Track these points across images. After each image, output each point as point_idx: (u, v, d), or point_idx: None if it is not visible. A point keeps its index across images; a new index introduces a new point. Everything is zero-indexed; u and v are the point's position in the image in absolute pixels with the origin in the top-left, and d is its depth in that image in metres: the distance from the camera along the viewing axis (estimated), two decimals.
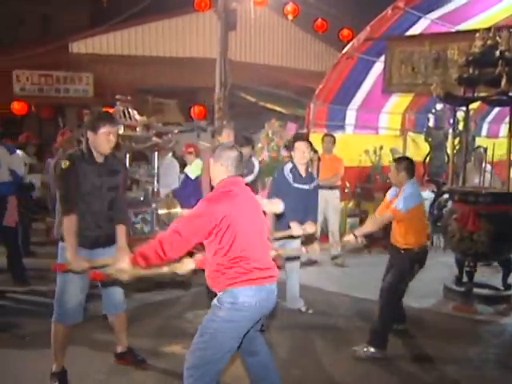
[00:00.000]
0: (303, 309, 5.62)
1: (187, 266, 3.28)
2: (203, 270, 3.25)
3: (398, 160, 4.94)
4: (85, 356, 4.37)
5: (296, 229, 4.87)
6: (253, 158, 6.88)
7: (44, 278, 6.50)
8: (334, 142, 7.93)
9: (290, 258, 5.50)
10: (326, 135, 8.12)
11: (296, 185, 5.32)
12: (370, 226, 4.85)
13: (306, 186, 5.39)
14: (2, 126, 7.17)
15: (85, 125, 3.90)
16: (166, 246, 2.98)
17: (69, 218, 3.62)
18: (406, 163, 4.74)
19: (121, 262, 3.23)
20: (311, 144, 5.65)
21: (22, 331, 4.87)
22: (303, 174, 5.39)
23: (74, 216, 3.63)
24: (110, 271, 3.31)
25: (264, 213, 3.61)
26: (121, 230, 3.91)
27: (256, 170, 6.70)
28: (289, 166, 5.42)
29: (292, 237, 4.98)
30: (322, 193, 7.34)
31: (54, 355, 3.85)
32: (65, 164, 3.64)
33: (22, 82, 13.18)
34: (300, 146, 5.39)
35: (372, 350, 4.47)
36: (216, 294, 3.14)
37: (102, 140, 3.73)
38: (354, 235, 4.67)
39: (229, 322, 3.03)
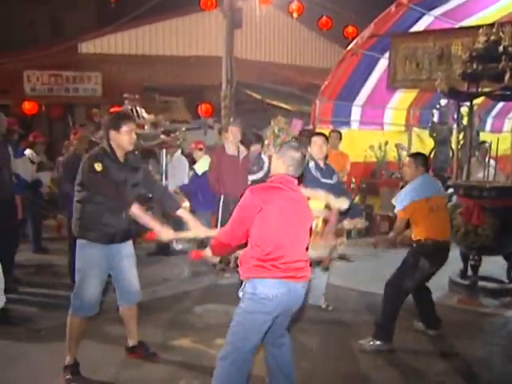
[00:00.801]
0: (324, 305, 5.65)
1: None
2: None
3: (414, 155, 5.01)
4: (97, 349, 4.45)
5: (347, 223, 4.83)
6: (262, 155, 6.98)
7: (56, 273, 6.65)
8: (341, 138, 7.99)
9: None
10: (332, 131, 8.18)
11: (324, 180, 5.21)
12: (393, 233, 4.89)
13: (328, 181, 5.25)
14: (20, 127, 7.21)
15: (106, 125, 4.02)
16: (221, 238, 3.32)
17: (132, 210, 3.80)
18: (422, 158, 4.83)
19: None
20: (327, 138, 5.62)
21: (37, 325, 4.95)
22: (324, 168, 5.32)
23: (135, 206, 3.82)
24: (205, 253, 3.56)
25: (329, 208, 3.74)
26: (183, 213, 4.08)
27: (266, 166, 6.80)
28: (311, 162, 5.28)
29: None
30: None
31: (67, 347, 3.94)
32: (98, 166, 3.76)
33: (33, 82, 13.38)
34: (318, 140, 5.34)
35: (378, 342, 4.52)
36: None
37: (125, 137, 3.88)
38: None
39: (249, 313, 3.12)
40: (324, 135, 5.52)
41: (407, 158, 5.00)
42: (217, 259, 3.79)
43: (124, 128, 3.87)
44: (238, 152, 6.38)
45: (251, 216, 3.10)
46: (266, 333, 3.22)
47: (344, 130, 8.67)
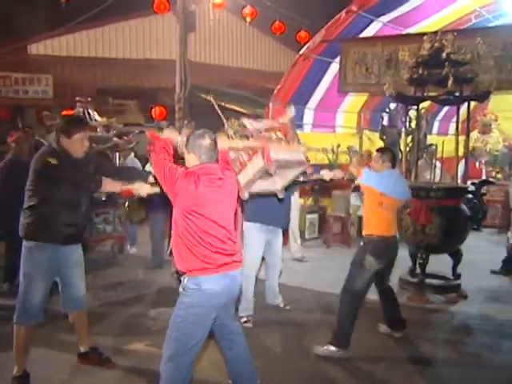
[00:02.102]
0: (281, 305, 5.74)
1: None
2: None
3: (381, 150, 5.02)
4: (47, 358, 4.35)
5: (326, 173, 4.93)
6: None
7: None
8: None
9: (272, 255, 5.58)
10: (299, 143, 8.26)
11: None
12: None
13: None
14: None
15: (57, 129, 3.92)
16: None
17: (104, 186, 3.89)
18: (390, 154, 4.87)
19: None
20: None
21: None
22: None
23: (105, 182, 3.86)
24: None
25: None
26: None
27: None
28: None
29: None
30: None
31: (15, 358, 3.85)
32: (53, 160, 3.69)
33: None
34: None
35: (332, 349, 4.51)
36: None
37: (77, 145, 3.81)
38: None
39: (193, 307, 3.12)
40: None
41: (375, 153, 4.99)
42: None
43: (76, 136, 3.80)
44: None
45: (173, 178, 3.13)
46: (211, 327, 3.25)
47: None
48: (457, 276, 6.27)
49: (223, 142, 3.56)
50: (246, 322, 5.13)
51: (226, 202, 3.26)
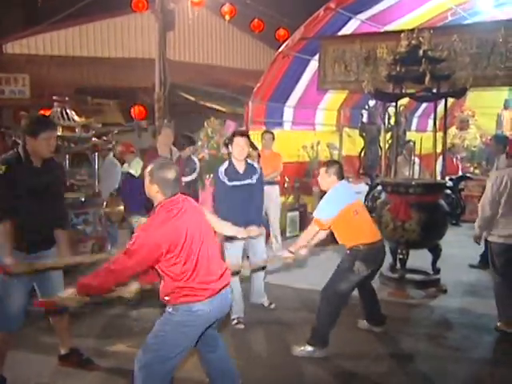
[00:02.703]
0: (266, 303, 5.74)
1: (132, 287, 3.26)
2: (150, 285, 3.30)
3: (327, 164, 4.80)
4: (26, 360, 4.31)
5: (240, 231, 4.35)
6: (193, 157, 7.00)
7: None
8: (274, 139, 8.12)
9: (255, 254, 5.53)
10: (265, 132, 8.30)
11: (233, 183, 5.19)
12: (303, 239, 4.69)
13: (246, 181, 5.25)
14: None
15: (23, 129, 3.84)
16: (109, 277, 3.03)
17: (2, 224, 3.59)
18: (336, 166, 4.69)
19: (66, 292, 3.18)
20: (250, 139, 5.56)
21: None
22: (241, 171, 5.27)
23: (7, 222, 3.60)
24: (57, 299, 3.31)
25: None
26: (61, 236, 3.90)
27: (197, 167, 6.83)
28: (224, 165, 5.28)
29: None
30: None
31: None
32: (0, 169, 3.58)
33: None
34: (239, 141, 5.22)
35: (309, 349, 4.50)
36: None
37: (43, 145, 3.71)
38: (290, 251, 4.57)
39: (183, 326, 3.08)
40: (247, 136, 5.42)
41: (321, 169, 4.76)
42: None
43: (42, 135, 3.69)
44: (171, 154, 6.37)
45: (154, 254, 2.96)
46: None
47: (277, 131, 8.80)
48: (436, 271, 6.35)
49: None
50: (237, 323, 5.14)
51: (201, 228, 3.17)
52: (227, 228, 4.00)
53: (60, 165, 4.25)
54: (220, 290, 3.16)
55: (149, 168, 3.17)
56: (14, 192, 3.63)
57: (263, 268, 5.69)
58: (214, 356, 3.42)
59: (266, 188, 7.59)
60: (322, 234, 4.78)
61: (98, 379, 4.07)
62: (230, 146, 5.42)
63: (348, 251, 4.62)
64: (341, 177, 4.68)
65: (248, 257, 5.59)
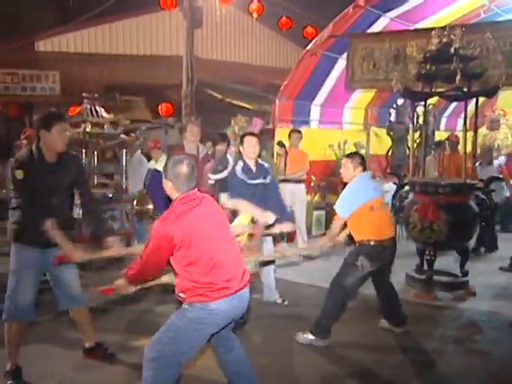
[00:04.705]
0: (279, 301, 5.74)
1: (164, 278, 3.37)
2: None
3: (350, 155, 4.87)
4: (54, 352, 4.37)
5: (271, 216, 4.36)
6: (228, 155, 7.00)
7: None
8: (301, 138, 8.09)
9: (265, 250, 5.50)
10: (293, 131, 8.27)
11: (251, 181, 5.25)
12: (329, 236, 4.83)
13: (260, 180, 5.33)
14: None
15: (36, 124, 3.87)
16: (132, 271, 3.17)
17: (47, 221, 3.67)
18: (359, 157, 4.73)
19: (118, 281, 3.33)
20: (259, 139, 5.57)
21: None
22: (254, 169, 5.34)
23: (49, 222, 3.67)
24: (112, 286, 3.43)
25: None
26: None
27: (230, 166, 6.82)
28: (239, 164, 5.34)
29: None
30: (288, 186, 7.54)
31: (8, 353, 3.85)
32: (19, 174, 3.64)
33: None
34: (250, 140, 5.32)
35: (311, 337, 4.59)
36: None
37: (57, 138, 3.74)
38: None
39: (197, 323, 3.04)
40: (256, 136, 5.49)
41: (343, 159, 4.83)
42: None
43: (55, 128, 3.72)
44: (198, 151, 6.39)
45: (168, 249, 2.97)
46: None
47: (303, 129, 8.77)
48: (465, 273, 6.24)
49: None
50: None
51: (217, 226, 3.14)
52: (259, 213, 4.00)
53: (77, 157, 4.24)
54: (238, 290, 3.11)
55: (165, 165, 3.20)
56: (30, 189, 3.70)
57: (271, 262, 5.65)
58: (229, 357, 3.39)
59: (293, 186, 7.63)
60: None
61: (121, 373, 4.09)
62: (241, 146, 5.46)
63: (355, 245, 4.67)
64: (364, 168, 4.71)
65: None
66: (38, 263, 3.83)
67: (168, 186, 3.13)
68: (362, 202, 4.56)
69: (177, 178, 3.07)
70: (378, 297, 5.01)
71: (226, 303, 3.05)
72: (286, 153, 7.93)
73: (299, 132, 8.17)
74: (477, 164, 7.76)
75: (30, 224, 3.71)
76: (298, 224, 7.94)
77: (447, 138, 8.71)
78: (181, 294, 3.12)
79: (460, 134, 7.97)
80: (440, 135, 9.40)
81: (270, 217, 4.13)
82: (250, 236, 3.96)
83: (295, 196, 7.77)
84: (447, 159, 8.17)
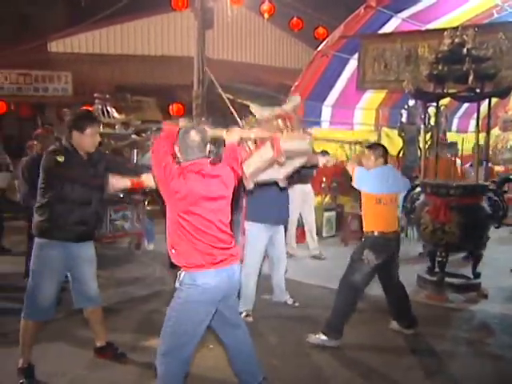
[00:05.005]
0: (289, 302, 5.73)
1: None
2: None
3: (372, 147, 4.88)
4: (65, 350, 4.41)
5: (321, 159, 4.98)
6: None
7: (12, 275, 6.48)
8: (313, 140, 8.04)
9: (275, 250, 5.57)
10: (304, 132, 8.22)
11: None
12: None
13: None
14: None
15: (68, 124, 3.92)
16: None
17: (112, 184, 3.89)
18: (382, 149, 4.78)
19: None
20: None
21: (5, 329, 4.77)
22: None
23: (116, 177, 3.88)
24: None
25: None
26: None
27: None
28: None
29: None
30: (297, 186, 7.50)
31: (21, 351, 3.87)
32: (60, 158, 3.70)
33: (0, 81, 13.16)
34: None
35: (323, 337, 4.58)
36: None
37: (88, 140, 3.82)
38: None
39: (189, 302, 3.12)
40: None
41: (366, 151, 4.83)
42: None
43: (88, 130, 3.81)
44: (209, 151, 6.39)
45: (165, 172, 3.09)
46: (210, 322, 3.25)
47: (315, 130, 8.75)
48: (477, 275, 6.19)
49: (234, 134, 3.53)
50: (246, 316, 5.14)
51: (219, 197, 3.20)
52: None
53: (103, 153, 4.34)
54: (228, 263, 3.17)
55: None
56: (65, 181, 3.74)
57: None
58: (230, 345, 3.43)
59: (302, 187, 7.59)
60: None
61: (132, 373, 4.11)
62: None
63: (363, 238, 4.74)
64: (386, 161, 4.72)
65: (266, 250, 5.54)
66: (63, 262, 3.86)
67: (176, 151, 3.25)
68: (369, 190, 4.62)
69: (184, 144, 3.19)
70: (387, 298, 4.99)
71: (214, 277, 3.12)
72: None
73: (310, 134, 8.10)
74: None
75: (60, 218, 3.75)
76: (308, 224, 7.93)
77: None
78: (172, 251, 3.20)
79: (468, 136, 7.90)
80: (452, 137, 9.33)
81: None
82: (255, 142, 3.89)
83: (304, 196, 7.72)
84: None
